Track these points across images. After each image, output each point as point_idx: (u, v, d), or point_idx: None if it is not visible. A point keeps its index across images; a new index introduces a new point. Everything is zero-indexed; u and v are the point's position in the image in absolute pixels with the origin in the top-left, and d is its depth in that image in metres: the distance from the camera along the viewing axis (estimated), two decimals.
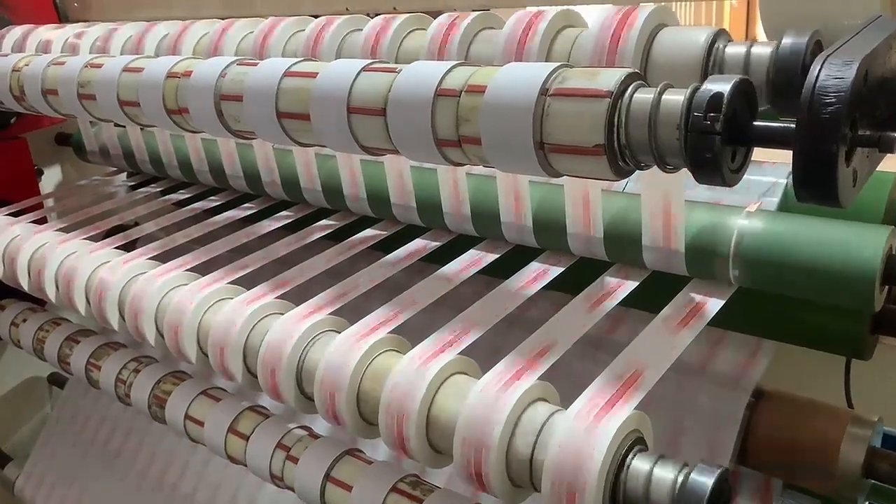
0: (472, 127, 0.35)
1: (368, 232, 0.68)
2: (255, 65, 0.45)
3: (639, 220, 0.51)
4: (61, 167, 1.06)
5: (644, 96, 0.32)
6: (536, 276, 0.55)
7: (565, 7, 0.45)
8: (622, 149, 0.33)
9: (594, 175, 0.34)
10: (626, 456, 0.39)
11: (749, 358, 0.59)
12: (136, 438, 0.90)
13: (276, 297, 0.58)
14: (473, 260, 0.60)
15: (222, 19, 0.66)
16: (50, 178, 1.04)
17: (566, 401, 0.43)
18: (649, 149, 0.32)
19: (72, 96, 0.57)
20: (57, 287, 0.71)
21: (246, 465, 0.61)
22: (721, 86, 0.30)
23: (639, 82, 0.33)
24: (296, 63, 0.44)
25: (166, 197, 0.85)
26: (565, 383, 0.45)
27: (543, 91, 0.33)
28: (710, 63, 0.39)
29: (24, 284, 0.75)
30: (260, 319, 0.56)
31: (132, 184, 0.93)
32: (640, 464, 0.37)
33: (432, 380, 0.45)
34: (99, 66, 0.56)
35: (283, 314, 0.56)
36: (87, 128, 0.93)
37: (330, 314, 0.54)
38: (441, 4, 0.58)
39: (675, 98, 0.32)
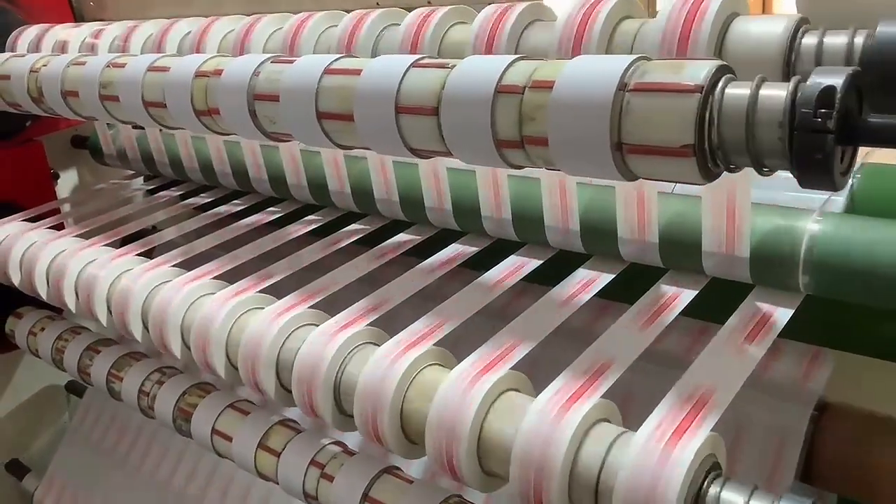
0: (538, 126, 0.32)
1: (401, 237, 0.65)
2: (292, 62, 0.43)
3: (696, 223, 0.48)
4: (77, 171, 1.04)
5: (738, 91, 0.29)
6: (586, 283, 0.52)
7: None
8: (713, 149, 0.29)
9: (678, 178, 0.31)
10: (703, 482, 0.36)
11: (809, 367, 0.56)
12: (158, 449, 0.87)
13: (309, 308, 0.55)
14: (515, 266, 0.56)
15: (246, 16, 0.63)
16: (66, 182, 1.02)
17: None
18: (745, 149, 0.29)
19: (93, 98, 0.55)
20: (77, 296, 0.69)
21: (277, 483, 0.58)
22: (832, 78, 0.27)
23: (729, 75, 0.30)
24: (336, 60, 0.41)
25: (187, 201, 0.82)
26: (620, 400, 0.42)
27: (622, 86, 0.30)
28: (793, 54, 0.36)
29: (43, 293, 0.73)
30: (293, 331, 0.53)
31: (150, 188, 0.91)
32: (727, 495, 0.34)
33: (484, 398, 0.42)
34: (121, 65, 0.53)
35: (317, 325, 0.53)
36: (104, 130, 0.91)
37: (367, 325, 0.51)
38: None
39: (776, 93, 0.28)
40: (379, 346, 0.50)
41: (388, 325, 0.52)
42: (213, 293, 0.59)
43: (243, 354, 0.53)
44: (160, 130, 0.84)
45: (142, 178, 0.97)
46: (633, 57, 0.31)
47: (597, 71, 0.31)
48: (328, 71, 0.40)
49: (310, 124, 0.41)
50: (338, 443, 0.58)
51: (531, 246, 0.59)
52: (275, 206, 0.76)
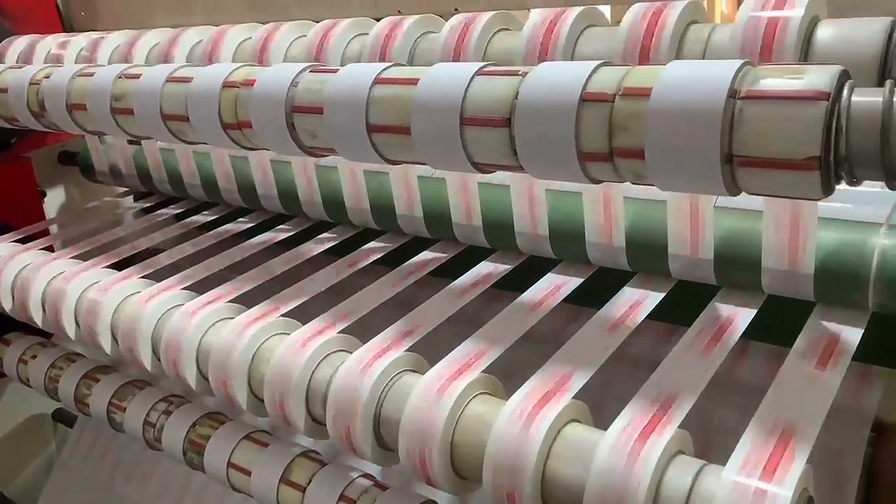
0: (633, 137, 0.29)
1: (426, 255, 0.62)
2: (335, 72, 0.39)
3: (753, 238, 0.46)
4: (65, 188, 0.99)
5: (868, 98, 0.27)
6: (633, 304, 0.50)
7: None
8: (839, 161, 0.27)
9: (795, 193, 0.28)
10: None
11: (858, 387, 0.54)
12: (157, 484, 0.82)
13: (339, 332, 0.51)
14: (553, 286, 0.54)
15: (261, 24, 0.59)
16: (53, 201, 0.97)
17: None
18: (878, 161, 0.26)
19: (103, 111, 0.51)
20: (77, 323, 0.64)
21: None
22: None
23: (851, 81, 0.28)
24: (387, 69, 0.38)
25: (188, 220, 0.78)
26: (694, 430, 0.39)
27: (732, 93, 0.28)
28: (889, 57, 0.33)
29: (38, 319, 0.68)
30: (324, 358, 0.49)
31: (148, 205, 0.86)
32: None
33: (546, 433, 0.39)
34: (136, 76, 0.49)
35: (349, 351, 0.50)
36: (95, 145, 0.87)
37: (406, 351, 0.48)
38: (512, 3, 0.53)
39: None
40: (420, 373, 0.47)
41: (421, 349, 0.49)
42: (232, 318, 0.56)
43: (270, 384, 0.49)
44: (157, 144, 0.80)
45: (132, 196, 0.92)
46: (739, 62, 0.29)
47: (700, 77, 0.28)
48: (379, 81, 0.37)
49: (358, 138, 0.37)
50: (367, 475, 0.54)
51: (566, 264, 0.56)
52: (284, 223, 0.73)
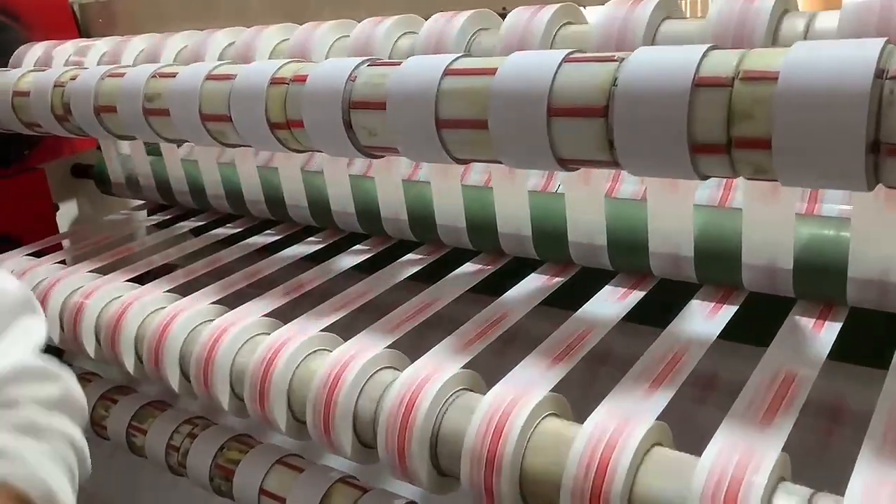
0: (758, 125, 0.26)
1: (469, 267, 0.58)
2: (398, 64, 0.36)
3: (838, 247, 0.43)
4: (77, 202, 0.96)
5: None
6: (708, 314, 0.46)
7: None
8: None
9: None
10: None
11: None
12: None
13: (385, 348, 0.48)
14: (614, 298, 0.50)
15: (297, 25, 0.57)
16: (65, 214, 0.94)
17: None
18: None
19: (135, 113, 0.48)
20: (98, 340, 0.61)
21: None
22: None
23: None
24: (458, 59, 0.35)
25: (210, 233, 0.75)
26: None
27: (879, 73, 0.25)
28: None
29: (55, 336, 0.64)
30: (372, 375, 0.46)
31: (164, 219, 0.83)
32: None
33: (634, 454, 0.35)
34: (171, 75, 0.46)
35: (398, 369, 0.46)
36: (112, 156, 0.83)
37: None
38: None
39: None
40: (478, 393, 0.43)
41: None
42: (268, 333, 0.52)
43: (314, 404, 0.46)
44: (179, 154, 0.77)
45: (146, 210, 0.89)
46: (880, 39, 0.26)
47: (838, 57, 0.25)
48: (450, 72, 0.34)
49: (424, 135, 0.34)
50: (412, 502, 0.51)
51: (625, 275, 0.53)
52: (313, 235, 0.69)
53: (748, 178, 0.29)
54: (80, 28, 0.86)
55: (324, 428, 0.46)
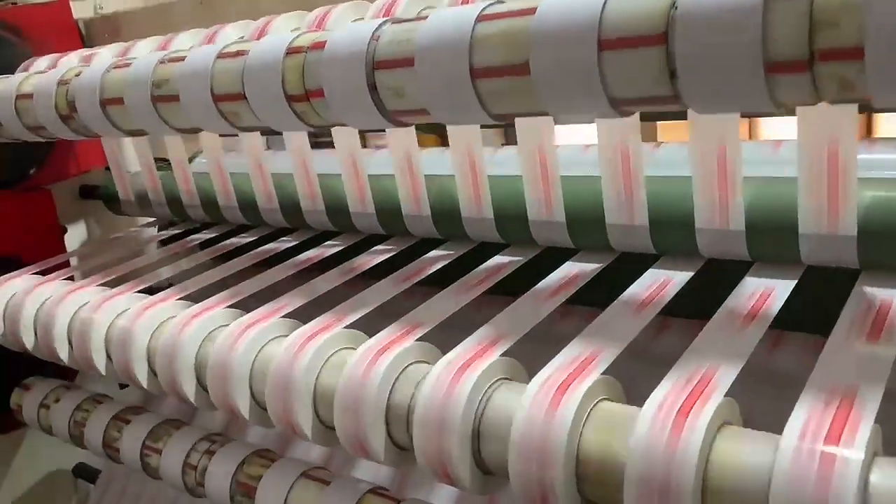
0: (845, 33, 0.23)
1: (498, 259, 0.55)
2: (425, 18, 0.33)
3: None
4: (86, 224, 0.93)
5: None
6: (760, 297, 0.43)
7: None
8: None
9: None
10: None
11: None
12: None
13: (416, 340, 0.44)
14: (659, 282, 0.47)
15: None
16: (73, 237, 0.91)
17: None
18: None
19: (143, 102, 0.45)
20: (109, 356, 0.57)
21: None
22: None
23: None
24: (491, 5, 0.32)
25: (223, 243, 0.72)
26: None
27: None
28: None
29: (63, 355, 0.61)
30: (403, 370, 0.42)
31: (175, 233, 0.80)
32: None
33: (702, 445, 0.31)
34: (180, 59, 0.44)
35: (429, 363, 0.42)
36: (120, 174, 0.81)
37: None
38: None
39: None
40: (521, 382, 0.40)
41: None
42: (286, 335, 0.49)
43: (341, 405, 0.42)
44: (190, 167, 0.74)
45: (156, 227, 0.87)
46: None
47: None
48: (484, 17, 0.31)
49: (458, 88, 0.31)
50: None
51: (670, 258, 0.49)
52: (330, 240, 0.66)
53: (834, 101, 0.25)
54: (86, 43, 0.85)
55: (354, 431, 0.42)
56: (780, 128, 1.86)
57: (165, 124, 0.46)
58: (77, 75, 0.51)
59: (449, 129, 0.53)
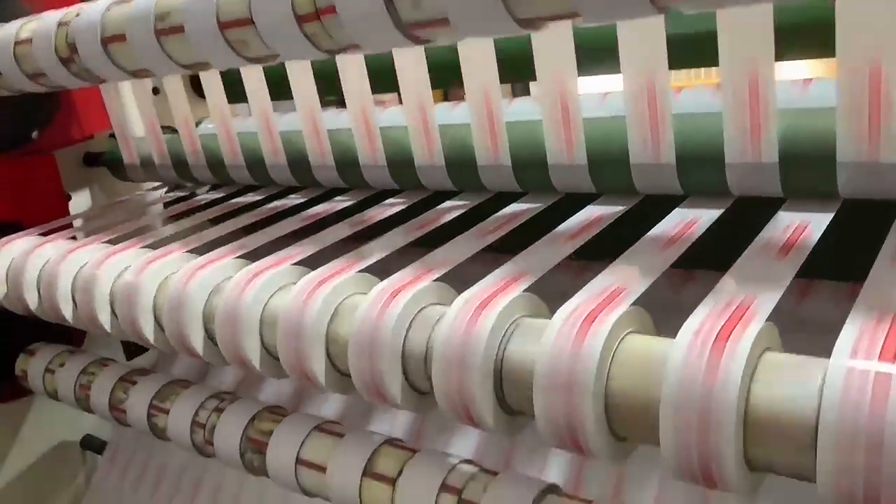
0: None
1: (516, 207, 0.53)
2: None
3: None
4: (90, 191, 0.91)
5: None
6: (796, 230, 0.41)
7: None
8: None
9: None
10: None
11: None
12: (206, 499, 0.73)
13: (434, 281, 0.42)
14: (687, 221, 0.45)
15: None
16: (77, 206, 0.89)
17: None
18: None
19: (147, 37, 0.43)
20: (115, 312, 0.56)
21: None
22: None
23: None
24: None
25: (233, 201, 0.70)
26: None
27: None
28: None
29: (68, 314, 0.60)
30: (420, 310, 0.40)
31: (182, 195, 0.78)
32: None
33: (744, 371, 0.29)
34: None
35: (446, 305, 0.40)
36: (125, 136, 0.79)
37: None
38: None
39: None
40: (539, 318, 0.38)
41: None
42: (295, 282, 0.47)
43: (355, 349, 0.40)
44: (197, 129, 0.73)
45: (161, 191, 0.85)
46: None
47: None
48: None
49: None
50: (468, 461, 0.45)
51: (694, 198, 0.47)
52: (340, 195, 0.64)
53: None
54: None
55: (370, 373, 0.40)
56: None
57: (169, 59, 0.44)
58: (77, 15, 0.49)
59: (465, 70, 0.51)
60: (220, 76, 0.67)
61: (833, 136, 0.40)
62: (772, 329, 0.32)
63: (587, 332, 0.34)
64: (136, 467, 0.80)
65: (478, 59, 0.50)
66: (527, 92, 1.77)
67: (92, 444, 0.91)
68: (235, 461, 0.53)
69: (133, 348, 0.89)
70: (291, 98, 0.62)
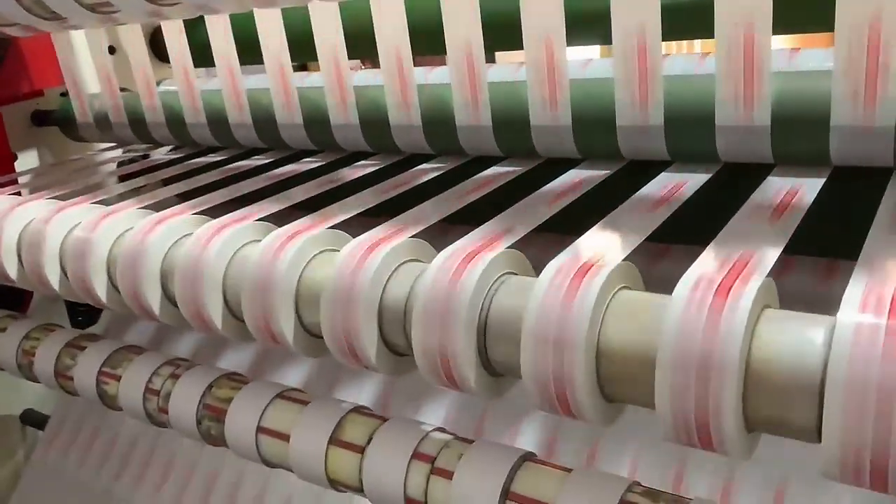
0: None
1: (496, 169, 0.51)
2: None
3: None
4: (38, 152, 0.86)
5: None
6: (787, 193, 0.39)
7: None
8: None
9: None
10: None
11: None
12: (156, 474, 0.69)
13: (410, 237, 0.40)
14: (674, 183, 0.43)
15: None
16: (24, 166, 0.84)
17: None
18: None
19: None
20: (64, 271, 0.52)
21: (362, 490, 0.43)
22: None
23: None
24: None
25: (193, 161, 0.67)
26: None
27: None
28: None
29: (12, 272, 0.56)
30: (398, 267, 0.38)
31: (137, 155, 0.75)
32: None
33: (746, 326, 0.28)
34: None
35: (426, 262, 0.38)
36: (79, 93, 0.75)
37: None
38: None
39: None
40: (525, 275, 0.36)
41: None
42: (260, 239, 0.44)
43: (329, 305, 0.38)
44: (155, 86, 0.69)
45: (116, 151, 0.81)
46: None
47: None
48: None
49: None
50: (441, 429, 0.43)
51: (681, 163, 0.46)
52: (309, 157, 0.62)
53: None
54: None
55: (344, 334, 0.38)
56: None
57: None
58: None
59: (447, 26, 0.49)
60: (185, 35, 0.63)
61: (827, 100, 0.39)
62: (771, 285, 0.30)
63: (579, 285, 0.32)
64: (81, 443, 0.76)
65: (460, 14, 0.48)
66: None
67: (33, 419, 0.86)
68: (191, 430, 0.50)
69: (80, 321, 0.85)
70: (261, 62, 0.59)
